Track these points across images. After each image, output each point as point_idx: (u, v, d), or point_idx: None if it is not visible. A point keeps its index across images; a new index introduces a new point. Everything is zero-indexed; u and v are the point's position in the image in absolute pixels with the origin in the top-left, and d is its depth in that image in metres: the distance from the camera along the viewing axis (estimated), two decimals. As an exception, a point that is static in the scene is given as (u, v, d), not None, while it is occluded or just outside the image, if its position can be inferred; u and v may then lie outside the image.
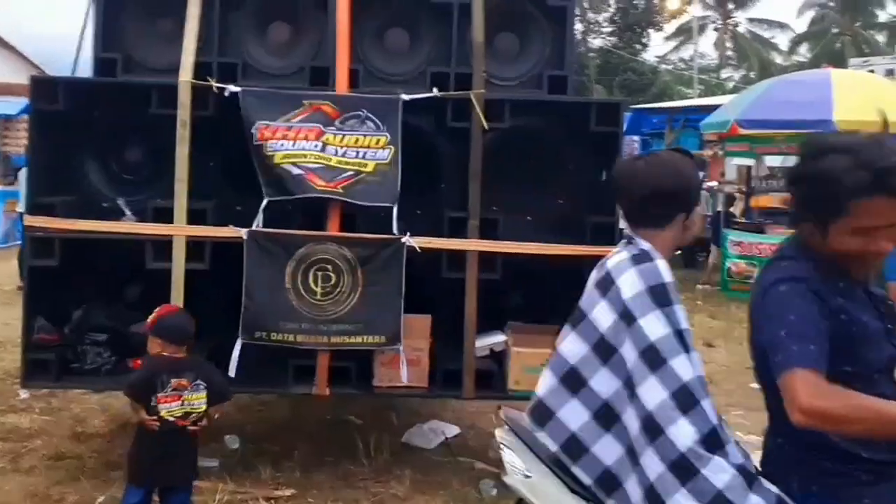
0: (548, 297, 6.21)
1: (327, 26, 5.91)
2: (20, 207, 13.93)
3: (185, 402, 4.83)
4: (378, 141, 5.59)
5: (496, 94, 5.80)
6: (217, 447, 6.28)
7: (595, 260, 5.56)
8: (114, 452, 6.12)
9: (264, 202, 5.54)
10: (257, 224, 5.52)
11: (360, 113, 5.60)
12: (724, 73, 56.09)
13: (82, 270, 5.85)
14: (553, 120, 6.04)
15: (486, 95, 5.67)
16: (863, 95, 13.75)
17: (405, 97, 5.63)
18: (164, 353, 4.88)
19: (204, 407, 4.91)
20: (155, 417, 4.78)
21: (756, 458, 2.92)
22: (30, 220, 5.52)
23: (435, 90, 5.70)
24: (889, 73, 22.17)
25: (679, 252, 18.69)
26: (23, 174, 13.38)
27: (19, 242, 15.05)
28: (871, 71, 22.09)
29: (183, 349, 4.92)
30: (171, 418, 4.78)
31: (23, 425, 6.84)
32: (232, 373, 5.47)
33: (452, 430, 6.81)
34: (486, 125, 5.59)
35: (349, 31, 5.79)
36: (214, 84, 5.52)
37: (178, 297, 5.46)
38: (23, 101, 19.82)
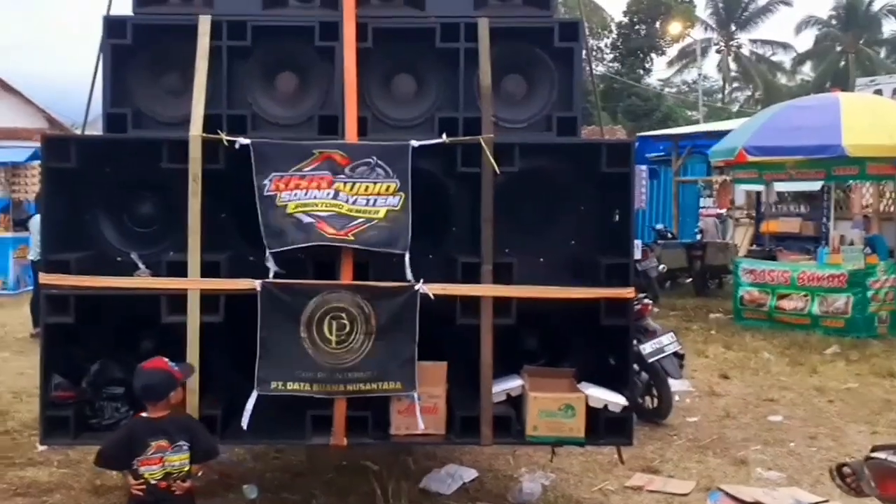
0: (562, 340, 6.22)
1: (334, 75, 5.93)
2: (31, 254, 13.96)
3: (165, 463, 4.81)
4: (388, 188, 5.59)
5: (505, 138, 5.78)
6: (235, 497, 6.27)
7: (610, 302, 5.65)
8: (133, 506, 6.10)
9: (268, 252, 5.53)
10: (271, 274, 5.52)
11: (370, 160, 5.59)
12: (729, 95, 56.29)
13: (98, 325, 5.85)
14: (563, 162, 6.04)
15: (495, 139, 5.66)
16: (872, 119, 13.77)
17: (415, 143, 5.63)
18: (144, 414, 4.90)
19: (187, 467, 4.90)
20: (140, 482, 4.77)
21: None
22: (45, 279, 5.51)
23: (444, 136, 5.71)
24: (896, 92, 22.22)
25: (690, 280, 18.72)
26: (33, 222, 13.44)
27: (31, 288, 15.14)
28: (879, 91, 22.14)
29: (162, 407, 4.92)
30: (154, 481, 4.77)
31: (42, 479, 6.83)
32: (245, 425, 5.45)
33: (470, 474, 6.78)
34: (497, 169, 5.58)
35: (356, 78, 5.81)
36: (225, 137, 5.53)
37: (193, 350, 5.46)
38: (30, 147, 19.93)
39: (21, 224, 18.24)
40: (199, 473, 5.20)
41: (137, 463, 4.80)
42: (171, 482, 4.84)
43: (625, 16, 47.81)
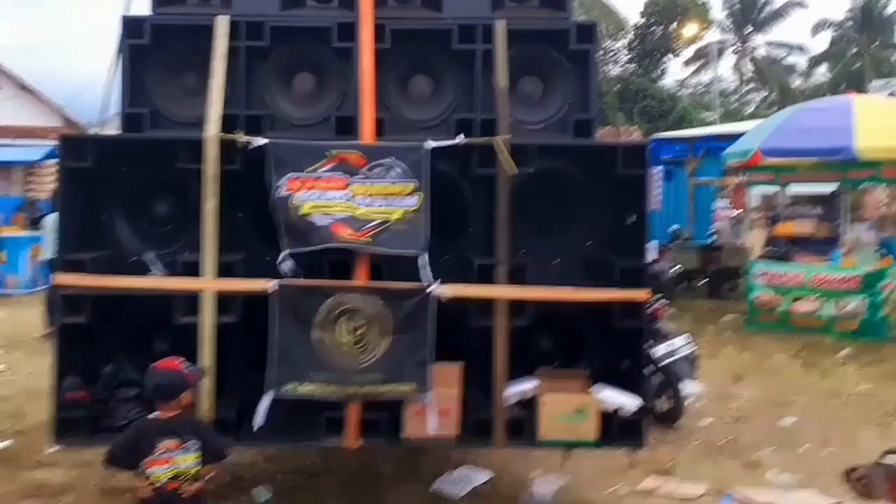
0: (576, 342, 6.20)
1: (351, 75, 5.93)
2: (46, 253, 13.98)
3: (174, 463, 4.79)
4: (406, 188, 5.59)
5: (522, 139, 5.78)
6: (247, 500, 6.26)
7: (624, 304, 5.64)
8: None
9: (284, 253, 5.53)
10: (283, 274, 5.52)
11: (387, 161, 5.60)
12: (744, 97, 56.17)
13: (112, 326, 5.85)
14: (579, 163, 6.02)
15: (511, 140, 5.65)
16: (885, 122, 13.74)
17: (432, 144, 5.63)
18: (153, 414, 4.90)
19: (196, 468, 4.85)
20: (148, 483, 4.75)
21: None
22: (61, 279, 5.52)
23: (461, 137, 5.70)
24: (910, 94, 22.11)
25: (707, 280, 18.66)
26: (48, 220, 13.46)
27: (45, 287, 15.15)
28: (893, 93, 22.06)
29: (172, 407, 4.90)
30: (162, 482, 4.75)
31: (52, 480, 6.82)
32: (260, 423, 5.44)
33: (483, 477, 6.75)
34: (514, 171, 5.57)
35: (373, 79, 5.81)
36: (241, 138, 5.53)
37: (207, 352, 5.46)
38: (45, 146, 20.00)
39: (36, 223, 18.28)
40: (209, 476, 5.17)
41: (146, 463, 4.77)
42: (179, 484, 4.81)
43: (641, 17, 47.66)
